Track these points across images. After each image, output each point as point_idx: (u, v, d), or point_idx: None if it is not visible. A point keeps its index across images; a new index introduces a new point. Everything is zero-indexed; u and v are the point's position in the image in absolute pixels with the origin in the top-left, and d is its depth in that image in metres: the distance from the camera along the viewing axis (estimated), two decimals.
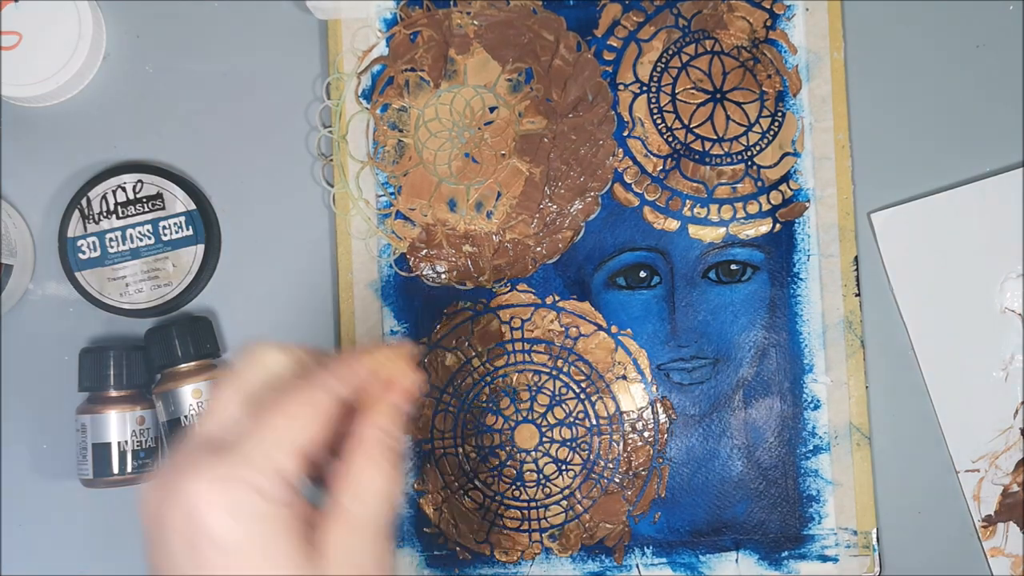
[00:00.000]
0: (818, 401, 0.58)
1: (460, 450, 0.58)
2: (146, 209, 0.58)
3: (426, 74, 0.59)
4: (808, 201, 0.58)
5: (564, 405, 0.58)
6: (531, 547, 0.58)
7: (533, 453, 0.58)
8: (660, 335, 0.58)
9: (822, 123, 0.58)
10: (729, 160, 0.58)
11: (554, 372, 0.58)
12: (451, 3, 0.59)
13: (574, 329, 0.58)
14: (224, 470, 0.33)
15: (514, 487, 0.58)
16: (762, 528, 0.58)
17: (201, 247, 0.58)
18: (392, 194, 0.59)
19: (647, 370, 0.58)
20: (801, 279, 0.58)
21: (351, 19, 0.59)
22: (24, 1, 0.58)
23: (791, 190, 0.58)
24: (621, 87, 0.58)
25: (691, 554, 0.58)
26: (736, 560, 0.58)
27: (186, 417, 0.56)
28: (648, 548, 0.58)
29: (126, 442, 0.56)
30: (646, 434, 0.58)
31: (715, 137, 0.58)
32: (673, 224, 0.58)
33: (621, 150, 0.58)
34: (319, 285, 0.59)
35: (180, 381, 0.56)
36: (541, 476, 0.58)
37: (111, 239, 0.59)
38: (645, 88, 0.58)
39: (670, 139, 0.58)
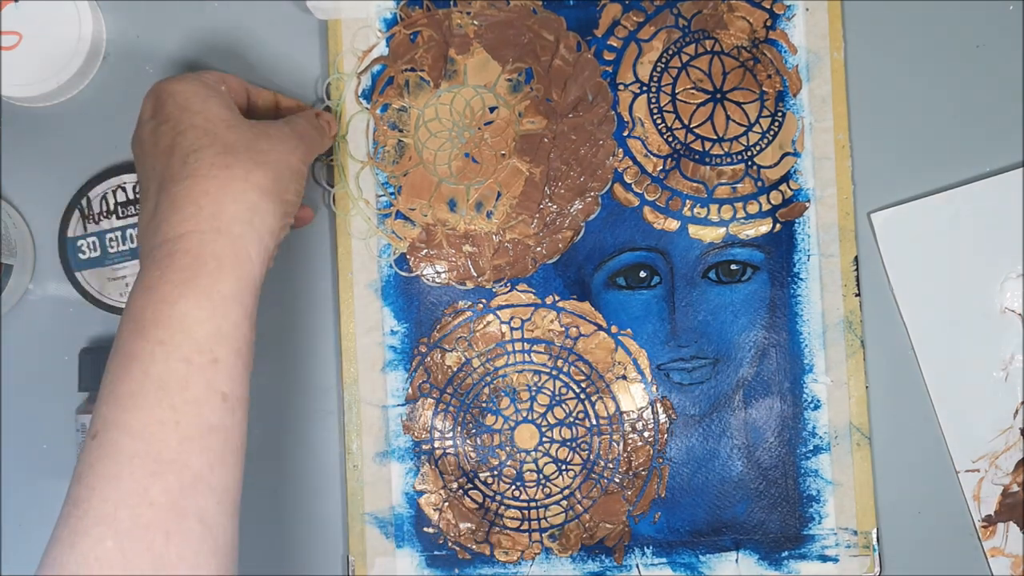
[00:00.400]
0: (818, 401, 0.58)
1: (460, 450, 0.58)
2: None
3: (426, 74, 0.59)
4: (808, 201, 0.58)
5: (564, 405, 0.58)
6: (531, 547, 0.58)
7: (533, 453, 0.58)
8: (660, 335, 0.58)
9: (822, 123, 0.58)
10: (729, 160, 0.58)
11: (554, 372, 0.58)
12: (451, 3, 0.59)
13: (574, 329, 0.58)
14: (180, 76, 0.51)
15: (514, 487, 0.58)
16: (762, 528, 0.58)
17: None
18: (392, 194, 0.59)
19: (647, 370, 0.58)
20: (801, 279, 0.58)
21: (351, 19, 0.59)
22: (24, 1, 0.58)
23: (791, 190, 0.58)
24: (621, 87, 0.58)
25: (691, 554, 0.58)
26: (736, 560, 0.58)
27: None
28: (648, 548, 0.58)
29: None
30: (646, 434, 0.58)
31: (715, 137, 0.58)
32: (673, 224, 0.58)
33: (621, 150, 0.58)
34: (319, 285, 0.59)
35: None
36: (541, 476, 0.58)
37: (111, 239, 0.59)
38: (645, 88, 0.58)
39: (670, 139, 0.58)
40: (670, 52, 0.58)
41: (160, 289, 0.45)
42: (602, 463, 0.58)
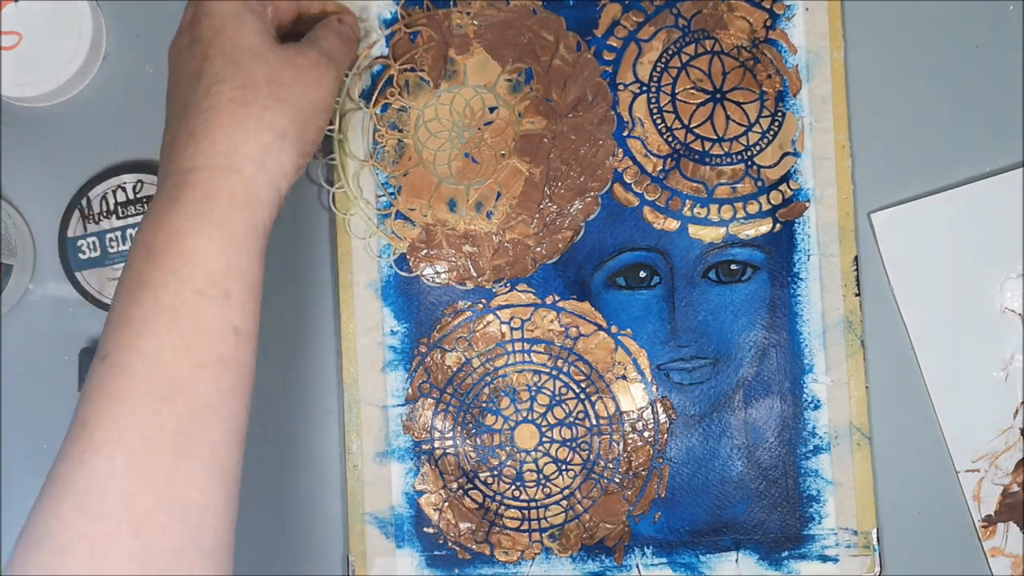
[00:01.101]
0: (818, 401, 0.58)
1: (460, 450, 0.58)
2: (146, 209, 0.58)
3: (426, 74, 0.59)
4: (808, 201, 0.58)
5: (564, 405, 0.58)
6: (531, 547, 0.58)
7: (533, 453, 0.58)
8: (660, 335, 0.58)
9: (822, 123, 0.58)
10: (729, 160, 0.58)
11: (554, 372, 0.58)
12: (451, 3, 0.59)
13: (574, 329, 0.58)
14: None
15: (514, 487, 0.58)
16: (762, 528, 0.58)
17: None
18: (392, 194, 0.59)
19: (647, 370, 0.58)
20: (801, 279, 0.58)
21: None
22: (24, 1, 0.58)
23: (791, 190, 0.58)
24: (621, 87, 0.58)
25: (691, 554, 0.58)
26: (736, 560, 0.58)
27: None
28: (648, 548, 0.58)
29: None
30: (646, 434, 0.58)
31: (715, 137, 0.58)
32: (673, 224, 0.58)
33: (621, 150, 0.58)
34: (319, 285, 0.59)
35: None
36: (541, 476, 0.58)
37: (111, 239, 0.59)
38: (645, 88, 0.58)
39: (670, 139, 0.58)
40: (670, 52, 0.58)
41: (171, 220, 0.44)
42: (602, 463, 0.58)
